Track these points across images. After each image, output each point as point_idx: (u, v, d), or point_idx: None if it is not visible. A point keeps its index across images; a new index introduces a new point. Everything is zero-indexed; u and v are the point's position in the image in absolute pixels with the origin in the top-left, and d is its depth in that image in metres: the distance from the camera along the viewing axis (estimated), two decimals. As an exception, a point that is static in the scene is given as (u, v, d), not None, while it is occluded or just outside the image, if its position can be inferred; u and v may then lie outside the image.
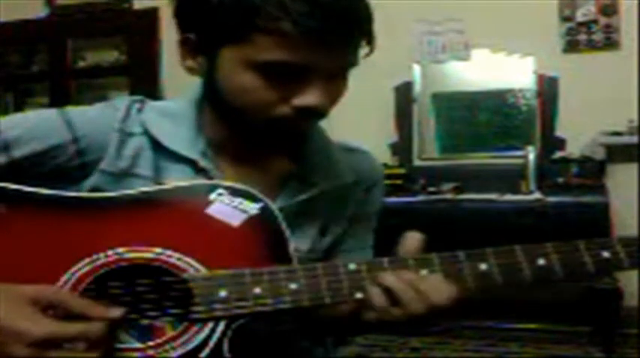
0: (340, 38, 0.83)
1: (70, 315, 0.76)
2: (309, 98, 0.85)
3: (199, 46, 0.90)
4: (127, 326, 0.81)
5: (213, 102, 0.93)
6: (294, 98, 0.86)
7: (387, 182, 3.30)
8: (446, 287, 0.82)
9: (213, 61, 0.88)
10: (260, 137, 0.92)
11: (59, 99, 4.15)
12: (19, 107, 4.41)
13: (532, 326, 3.23)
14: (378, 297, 0.82)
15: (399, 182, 3.40)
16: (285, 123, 0.88)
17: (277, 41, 0.81)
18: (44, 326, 0.73)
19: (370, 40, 0.89)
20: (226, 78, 0.87)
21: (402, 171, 3.50)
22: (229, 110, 0.90)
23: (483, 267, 0.83)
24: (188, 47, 0.91)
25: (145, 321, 0.82)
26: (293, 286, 0.82)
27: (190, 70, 0.92)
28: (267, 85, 0.85)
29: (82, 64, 4.33)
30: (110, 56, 4.30)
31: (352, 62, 0.89)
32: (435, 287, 0.82)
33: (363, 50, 0.90)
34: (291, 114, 0.87)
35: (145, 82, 4.03)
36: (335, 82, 0.88)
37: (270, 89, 0.85)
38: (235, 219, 0.85)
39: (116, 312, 0.78)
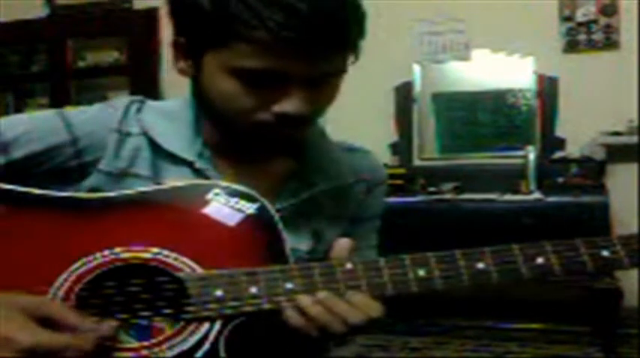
0: (319, 47, 0.82)
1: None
2: (288, 105, 0.84)
3: (188, 50, 0.89)
4: (125, 327, 0.81)
5: (202, 105, 0.93)
6: (275, 105, 0.85)
7: (387, 182, 3.31)
8: (366, 305, 0.81)
9: (198, 65, 0.88)
10: (249, 140, 0.92)
11: (59, 99, 4.14)
12: (19, 107, 4.40)
13: (532, 326, 3.23)
14: (294, 318, 0.81)
15: (399, 182, 3.40)
16: (268, 129, 0.87)
17: (254, 49, 0.81)
18: (33, 335, 0.73)
19: (354, 48, 0.87)
20: (209, 83, 0.87)
21: (402, 171, 3.50)
22: (216, 113, 0.90)
23: (480, 265, 0.82)
24: (179, 49, 0.91)
25: (144, 322, 0.82)
26: (289, 286, 0.81)
27: (182, 72, 0.92)
28: (247, 91, 0.85)
29: (81, 64, 4.32)
30: (110, 56, 4.30)
31: (337, 69, 0.87)
32: (354, 307, 0.80)
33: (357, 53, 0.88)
34: (272, 121, 0.86)
35: (144, 82, 4.03)
36: (319, 88, 0.87)
37: (250, 95, 0.85)
38: (232, 219, 0.84)
39: (107, 328, 0.77)
